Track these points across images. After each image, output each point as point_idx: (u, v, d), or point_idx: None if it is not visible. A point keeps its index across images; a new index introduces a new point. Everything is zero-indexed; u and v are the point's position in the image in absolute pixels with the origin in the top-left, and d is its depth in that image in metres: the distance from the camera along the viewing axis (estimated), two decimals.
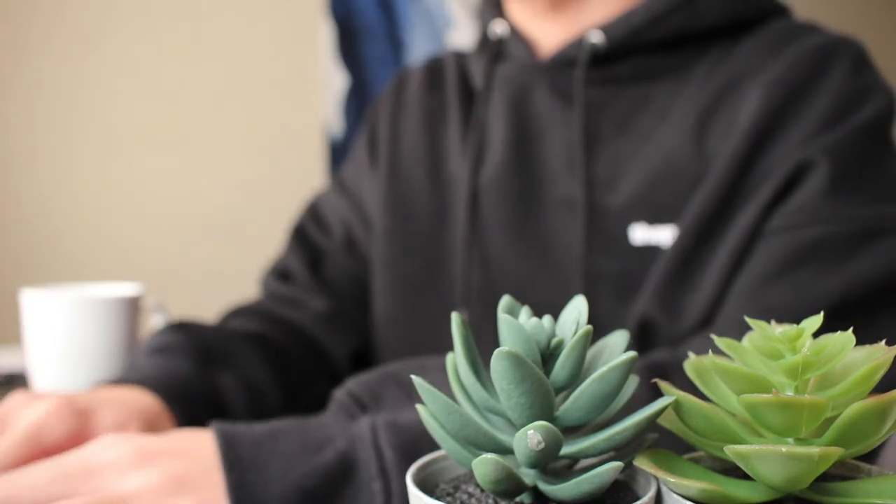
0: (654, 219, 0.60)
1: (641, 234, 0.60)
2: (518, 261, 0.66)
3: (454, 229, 0.70)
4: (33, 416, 0.45)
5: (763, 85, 0.59)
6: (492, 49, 0.72)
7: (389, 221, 0.73)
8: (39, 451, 0.43)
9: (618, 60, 0.64)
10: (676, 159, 0.60)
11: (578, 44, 0.65)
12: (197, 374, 0.56)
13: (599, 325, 0.58)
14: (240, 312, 0.70)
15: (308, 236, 0.78)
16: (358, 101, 1.83)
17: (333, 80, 1.81)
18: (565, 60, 0.66)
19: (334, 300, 0.75)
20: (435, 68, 0.80)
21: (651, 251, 0.60)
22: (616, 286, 0.61)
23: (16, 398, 0.47)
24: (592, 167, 0.63)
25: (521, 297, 0.59)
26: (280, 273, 0.77)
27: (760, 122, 0.58)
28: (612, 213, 0.62)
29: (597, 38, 0.63)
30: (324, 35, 1.79)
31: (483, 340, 0.62)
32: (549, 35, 0.69)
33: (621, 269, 0.61)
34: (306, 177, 1.78)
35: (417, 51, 1.86)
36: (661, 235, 0.60)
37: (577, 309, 0.31)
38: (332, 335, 0.72)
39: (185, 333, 0.59)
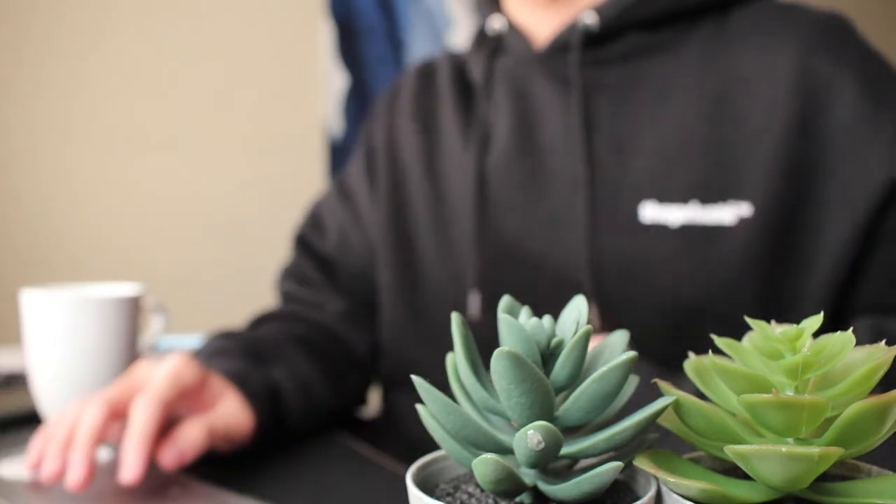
0: (665, 197, 0.61)
1: (651, 212, 0.61)
2: (528, 242, 0.67)
3: (457, 223, 0.71)
4: (168, 366, 0.53)
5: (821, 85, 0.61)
6: (490, 45, 0.73)
7: (393, 247, 0.75)
8: (181, 390, 0.52)
9: (610, 41, 0.66)
10: (688, 141, 0.62)
11: (572, 27, 0.67)
12: (254, 370, 0.61)
13: (608, 303, 0.61)
14: (270, 317, 0.73)
15: (311, 244, 0.82)
16: (358, 101, 1.83)
17: (333, 80, 1.80)
18: (560, 45, 0.68)
19: (349, 299, 0.78)
20: (426, 72, 0.81)
21: (660, 230, 0.61)
22: (624, 263, 0.62)
23: (142, 365, 0.56)
24: (595, 146, 0.64)
25: (533, 278, 0.63)
26: (297, 277, 0.80)
27: (799, 95, 0.60)
28: (620, 191, 0.63)
29: (590, 18, 0.65)
30: (324, 35, 1.79)
31: (488, 328, 0.64)
32: (545, 26, 0.71)
33: (630, 247, 0.62)
34: (306, 177, 1.78)
35: (417, 51, 1.86)
36: (671, 214, 0.61)
37: (577, 309, 0.31)
38: (353, 332, 0.76)
39: (232, 339, 0.65)
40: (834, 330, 0.65)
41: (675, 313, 0.61)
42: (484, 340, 0.69)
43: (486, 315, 0.67)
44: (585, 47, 0.66)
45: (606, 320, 0.62)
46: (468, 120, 0.73)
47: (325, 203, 0.83)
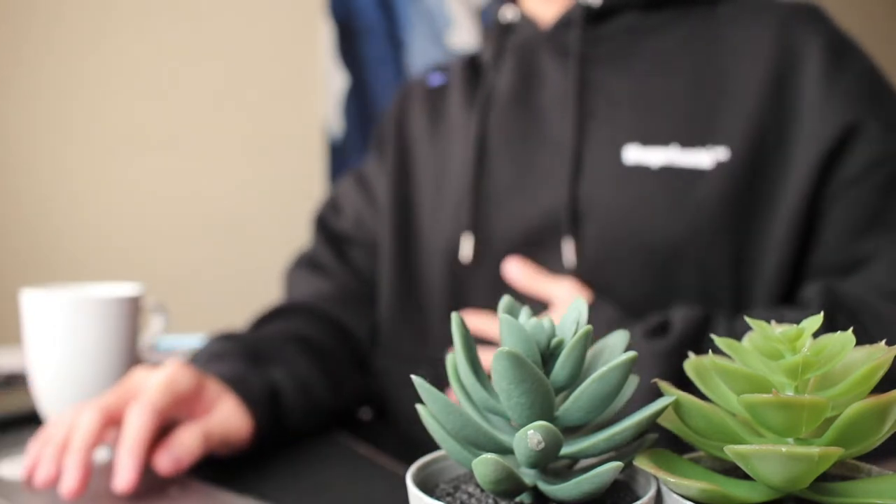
0: (647, 140, 0.66)
1: (634, 154, 0.66)
2: (519, 188, 0.72)
3: (457, 174, 0.76)
4: (163, 374, 0.53)
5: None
6: (502, 29, 0.80)
7: (395, 208, 0.79)
8: (176, 397, 0.52)
9: (609, 19, 0.73)
10: (674, 94, 0.67)
11: (576, 6, 0.73)
12: (252, 373, 0.61)
13: (586, 241, 0.66)
14: (273, 315, 0.74)
15: (329, 223, 0.86)
16: (358, 101, 1.83)
17: (333, 80, 1.80)
18: (564, 22, 0.74)
19: (356, 278, 0.81)
20: (434, 69, 0.87)
21: (641, 170, 0.66)
22: (606, 204, 0.66)
23: (138, 371, 0.55)
24: (587, 103, 0.70)
25: (521, 222, 0.70)
26: (309, 263, 0.83)
27: (777, 62, 0.66)
28: (607, 138, 0.68)
29: None
30: (324, 35, 1.79)
31: (477, 274, 0.72)
32: (552, 13, 0.77)
33: (612, 187, 0.66)
34: (306, 177, 1.78)
35: (417, 51, 1.86)
36: (652, 156, 0.66)
37: (576, 309, 0.31)
38: (355, 317, 0.78)
39: (231, 341, 0.65)
40: (793, 286, 0.68)
41: (651, 252, 0.65)
42: (474, 284, 0.75)
43: (476, 258, 0.72)
44: (586, 24, 0.73)
45: (582, 258, 0.67)
46: (474, 91, 0.79)
47: (342, 189, 0.88)
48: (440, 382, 0.33)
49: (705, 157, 0.65)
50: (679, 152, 0.65)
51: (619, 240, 0.66)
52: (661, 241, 0.65)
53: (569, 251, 0.67)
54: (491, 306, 0.71)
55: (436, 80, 0.85)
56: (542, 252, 0.69)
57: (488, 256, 0.72)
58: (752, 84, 0.66)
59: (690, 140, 0.65)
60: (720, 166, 0.64)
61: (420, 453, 0.34)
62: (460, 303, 0.73)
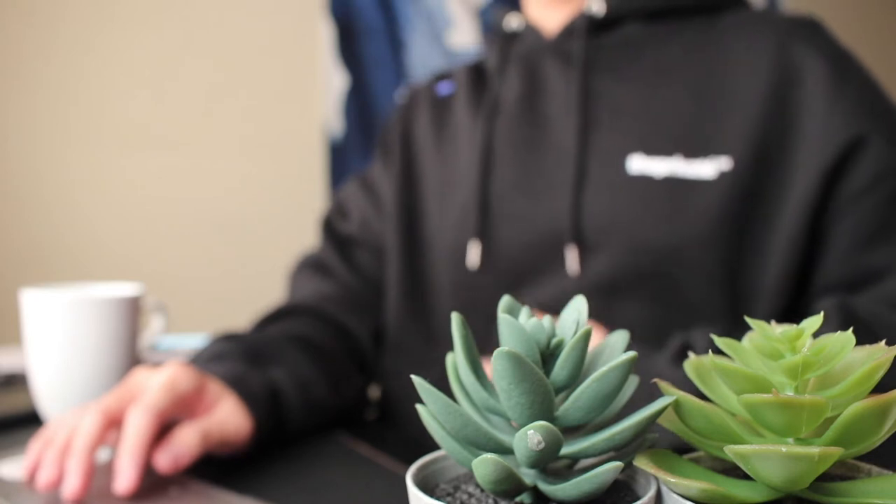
0: (651, 150, 0.67)
1: (638, 164, 0.67)
2: (524, 197, 0.72)
3: (462, 181, 0.76)
4: (164, 374, 0.53)
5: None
6: (506, 37, 0.80)
7: (400, 213, 0.80)
8: (177, 398, 0.52)
9: (612, 28, 0.74)
10: (677, 103, 0.68)
11: (580, 15, 0.74)
12: (252, 373, 0.61)
13: (589, 248, 0.67)
14: (275, 316, 0.75)
15: (336, 227, 0.86)
16: (358, 101, 1.83)
17: (333, 80, 1.80)
18: (568, 31, 0.75)
19: (361, 278, 0.82)
20: (440, 76, 0.88)
21: (645, 180, 0.67)
22: (610, 211, 0.67)
23: (139, 372, 0.55)
24: (591, 110, 0.71)
25: (526, 231, 0.71)
26: (314, 264, 0.84)
27: (777, 74, 0.67)
28: (610, 147, 0.69)
29: (597, 6, 0.74)
30: (324, 35, 1.79)
31: (483, 279, 0.73)
32: (557, 22, 0.78)
33: (616, 196, 0.67)
34: (306, 177, 1.78)
35: (417, 51, 1.86)
36: (656, 166, 0.67)
37: (576, 309, 0.31)
38: (358, 317, 0.78)
39: (232, 342, 0.66)
40: (799, 300, 0.68)
41: (654, 260, 0.66)
42: (480, 288, 0.75)
43: (483, 264, 0.73)
44: (590, 33, 0.74)
45: (586, 266, 0.68)
46: (480, 99, 0.80)
47: (348, 193, 0.89)
48: (445, 383, 0.33)
49: (708, 167, 0.65)
50: (682, 163, 0.66)
51: (622, 248, 0.66)
52: (663, 249, 0.65)
53: (572, 259, 0.67)
54: (496, 310, 0.71)
55: (444, 89, 0.85)
56: (546, 259, 0.69)
57: (494, 262, 0.73)
58: (754, 93, 0.67)
59: (693, 150, 0.66)
60: (723, 176, 0.65)
61: (420, 453, 0.34)
62: (467, 306, 0.73)
